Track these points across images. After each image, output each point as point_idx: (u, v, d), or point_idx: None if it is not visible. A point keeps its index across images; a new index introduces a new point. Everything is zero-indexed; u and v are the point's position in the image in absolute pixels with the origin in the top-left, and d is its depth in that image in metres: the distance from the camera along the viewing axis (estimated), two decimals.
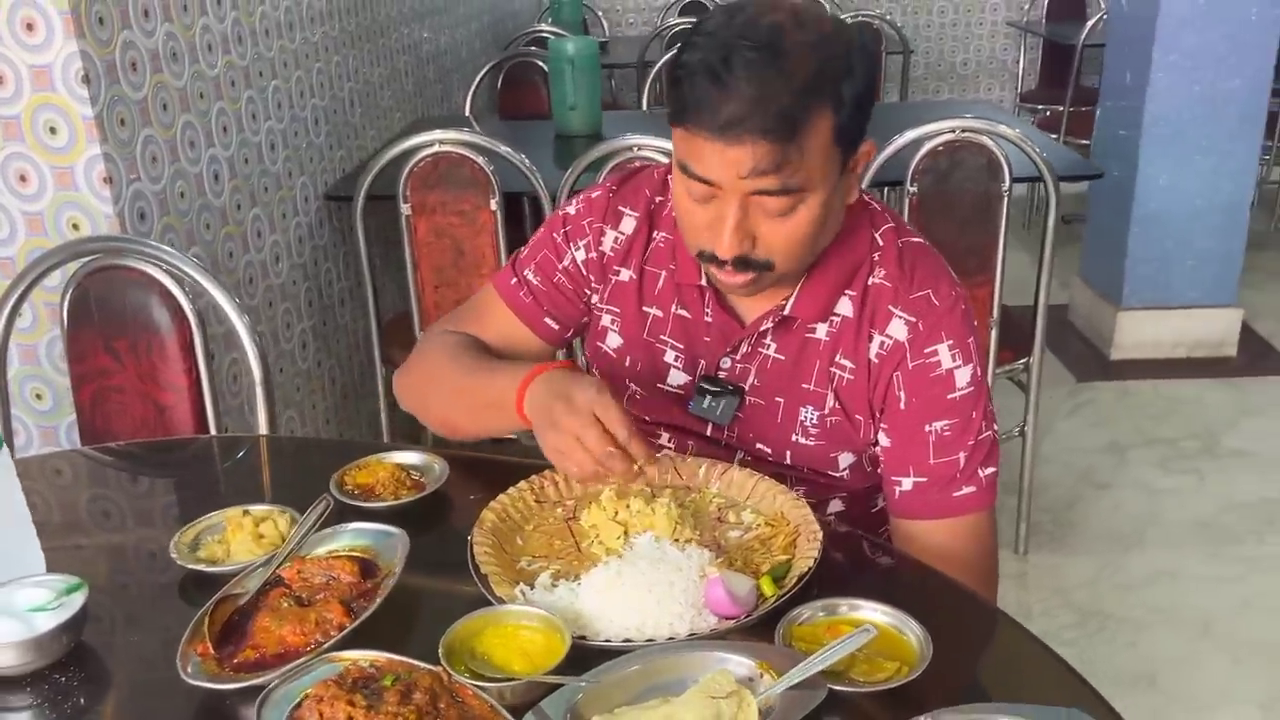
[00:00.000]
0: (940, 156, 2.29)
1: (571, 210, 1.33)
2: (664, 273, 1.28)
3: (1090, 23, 4.59)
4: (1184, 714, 2.14)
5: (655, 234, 1.29)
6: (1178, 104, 3.39)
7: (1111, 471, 3.00)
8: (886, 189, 2.81)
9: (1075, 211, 4.38)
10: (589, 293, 1.33)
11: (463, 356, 1.28)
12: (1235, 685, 2.21)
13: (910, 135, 2.29)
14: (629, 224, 1.30)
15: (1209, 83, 3.36)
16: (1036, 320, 2.46)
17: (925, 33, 6.11)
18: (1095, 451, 3.11)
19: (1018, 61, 5.65)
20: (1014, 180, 2.29)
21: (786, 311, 1.20)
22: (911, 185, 2.30)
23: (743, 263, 1.11)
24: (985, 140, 2.28)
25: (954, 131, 2.28)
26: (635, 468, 1.07)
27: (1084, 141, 4.34)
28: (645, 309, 1.30)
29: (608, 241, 1.30)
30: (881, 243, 1.22)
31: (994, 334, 2.39)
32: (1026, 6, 5.78)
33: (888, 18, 4.99)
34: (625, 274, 1.30)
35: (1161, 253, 3.56)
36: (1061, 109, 4.75)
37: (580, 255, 1.31)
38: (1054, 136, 4.69)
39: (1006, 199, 2.30)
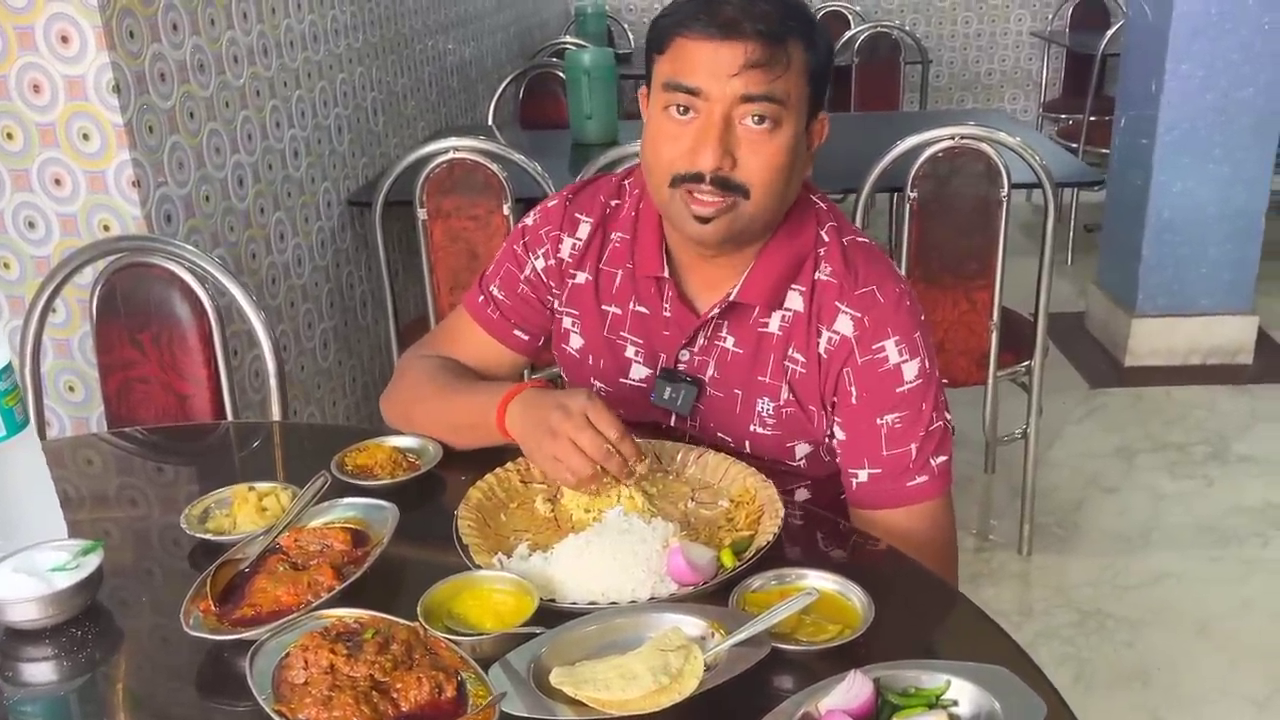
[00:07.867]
0: (940, 163, 2.35)
1: (530, 221, 1.40)
2: (621, 271, 1.34)
3: (1110, 32, 4.62)
4: (1176, 711, 2.17)
5: (612, 235, 1.35)
6: (1191, 112, 3.42)
7: (1119, 476, 3.03)
8: (889, 195, 2.87)
9: (1098, 221, 4.40)
10: (550, 299, 1.39)
11: (440, 377, 1.35)
12: (1231, 684, 2.24)
13: (911, 141, 2.35)
14: (584, 230, 1.36)
15: (1222, 91, 3.39)
16: (1038, 324, 2.50)
17: (950, 43, 6.15)
18: (1104, 456, 3.13)
19: (1041, 71, 5.67)
20: (1013, 186, 2.34)
21: (734, 297, 1.26)
22: (912, 191, 2.36)
23: (722, 183, 1.16)
24: (984, 147, 2.33)
25: (953, 139, 2.33)
26: (628, 466, 1.13)
27: (1104, 150, 4.36)
28: (604, 307, 1.35)
29: (565, 248, 1.37)
30: (826, 239, 1.27)
31: (994, 337, 2.44)
32: (1050, 16, 5.81)
33: (907, 28, 5.05)
34: (581, 276, 1.36)
35: (1176, 260, 3.58)
36: (1083, 118, 4.78)
37: (540, 264, 1.38)
38: (1074, 145, 4.72)
39: (1006, 204, 2.35)
